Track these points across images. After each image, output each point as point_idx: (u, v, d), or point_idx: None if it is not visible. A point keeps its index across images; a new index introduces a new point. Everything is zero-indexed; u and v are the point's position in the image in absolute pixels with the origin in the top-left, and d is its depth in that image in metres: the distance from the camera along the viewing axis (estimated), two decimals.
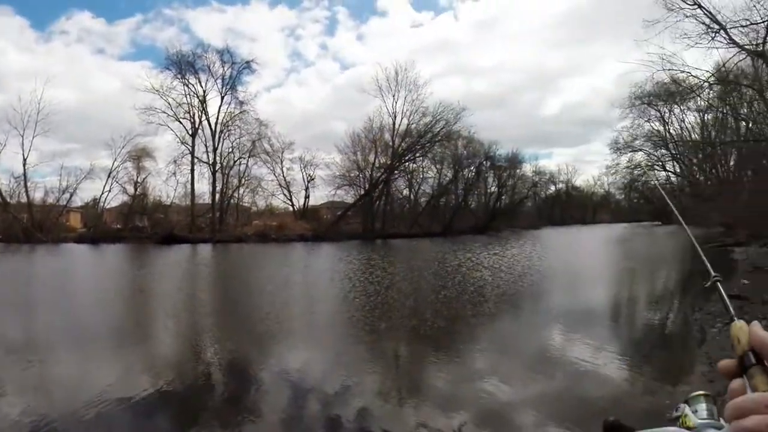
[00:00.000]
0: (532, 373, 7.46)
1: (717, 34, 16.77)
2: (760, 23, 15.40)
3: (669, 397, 6.01)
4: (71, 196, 53.41)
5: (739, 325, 0.70)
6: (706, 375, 6.66)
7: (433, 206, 63.02)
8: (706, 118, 38.71)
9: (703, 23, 16.99)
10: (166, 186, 56.39)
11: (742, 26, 15.97)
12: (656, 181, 48.84)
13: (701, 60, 43.84)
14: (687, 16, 17.18)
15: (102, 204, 54.71)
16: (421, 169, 62.35)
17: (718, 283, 0.91)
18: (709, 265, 0.99)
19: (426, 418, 5.69)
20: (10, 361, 8.11)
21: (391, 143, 56.36)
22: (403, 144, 56.03)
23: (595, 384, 6.76)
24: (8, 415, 5.79)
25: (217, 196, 54.23)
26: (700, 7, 16.91)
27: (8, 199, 50.05)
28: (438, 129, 55.74)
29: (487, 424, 5.55)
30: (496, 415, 5.79)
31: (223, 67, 54.55)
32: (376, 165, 56.58)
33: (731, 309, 0.76)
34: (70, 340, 9.85)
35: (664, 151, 43.03)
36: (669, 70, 19.21)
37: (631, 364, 7.65)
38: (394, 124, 56.11)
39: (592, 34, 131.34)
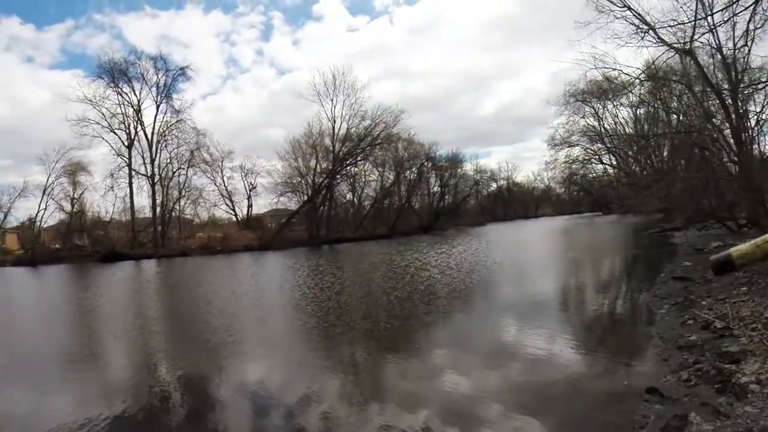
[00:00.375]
0: (490, 365, 7.54)
1: (646, 34, 17.51)
2: (687, 23, 16.09)
3: (627, 378, 6.15)
4: (5, 215, 51.51)
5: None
6: (660, 354, 6.86)
7: (377, 209, 63.34)
8: (638, 112, 40.53)
9: (633, 24, 17.74)
10: (104, 201, 54.61)
11: (670, 26, 16.65)
12: (594, 174, 50.71)
13: (632, 58, 45.95)
14: (617, 18, 17.91)
15: (39, 223, 52.22)
16: (363, 173, 63.12)
17: None
18: None
19: (390, 419, 5.62)
20: None
21: (331, 148, 56.24)
22: (343, 148, 55.98)
23: (553, 370, 6.84)
24: None
25: (158, 209, 52.69)
26: (629, 9, 17.65)
27: None
28: (378, 132, 55.91)
29: (451, 419, 5.50)
30: (460, 410, 5.77)
31: (157, 74, 53.21)
32: (318, 170, 56.33)
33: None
34: (18, 369, 9.31)
35: (600, 145, 44.67)
36: (601, 68, 19.84)
37: (586, 349, 7.83)
38: (333, 128, 56.14)
39: (522, 37, 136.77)
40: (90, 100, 49.62)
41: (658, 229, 30.91)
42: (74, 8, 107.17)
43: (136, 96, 52.37)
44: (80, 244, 50.59)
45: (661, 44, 17.64)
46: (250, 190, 58.91)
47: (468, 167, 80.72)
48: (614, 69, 19.58)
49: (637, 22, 17.63)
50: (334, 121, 55.96)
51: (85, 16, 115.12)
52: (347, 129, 56.03)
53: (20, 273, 37.64)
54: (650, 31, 17.36)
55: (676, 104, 26.28)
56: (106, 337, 12.22)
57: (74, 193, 51.49)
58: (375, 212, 62.90)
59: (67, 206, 51.45)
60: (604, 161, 47.31)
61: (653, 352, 7.11)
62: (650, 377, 5.94)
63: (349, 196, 63.73)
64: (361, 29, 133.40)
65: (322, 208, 56.92)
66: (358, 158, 58.11)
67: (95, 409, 6.52)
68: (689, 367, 5.95)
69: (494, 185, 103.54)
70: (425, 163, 66.69)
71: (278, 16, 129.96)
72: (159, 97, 53.16)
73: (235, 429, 5.86)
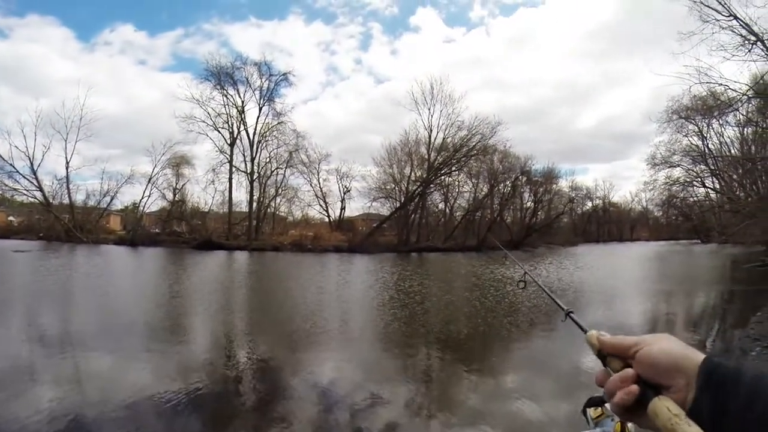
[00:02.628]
0: (562, 393, 7.44)
1: (754, 46, 16.39)
2: None
3: None
4: (112, 199, 55.47)
5: (591, 333, 0.89)
6: None
7: (469, 220, 62.49)
8: (745, 132, 37.84)
9: (740, 35, 16.66)
10: (204, 193, 58.24)
11: None
12: (695, 198, 47.80)
13: (739, 72, 42.98)
14: (723, 28, 16.80)
15: (141, 208, 56.70)
16: (456, 183, 62.19)
17: (571, 314, 1.09)
18: (559, 302, 1.17)
19: None
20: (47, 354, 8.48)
21: (426, 157, 56.01)
22: (438, 158, 55.58)
23: None
24: (46, 404, 6.10)
25: (254, 204, 55.07)
26: (735, 18, 16.56)
27: (51, 200, 52.04)
28: (474, 143, 55.06)
29: None
30: None
31: (260, 78, 55.47)
32: (412, 178, 56.33)
33: (582, 326, 0.95)
34: (107, 338, 10.15)
35: (702, 166, 41.66)
36: (706, 83, 18.79)
37: None
38: (429, 137, 55.98)
39: (623, 48, 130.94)
40: (197, 100, 52.98)
41: (760, 263, 28.87)
42: (185, 18, 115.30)
43: (240, 98, 55.15)
44: (178, 231, 53.89)
45: None
46: (344, 193, 60.27)
47: (563, 183, 77.43)
48: (720, 84, 18.51)
49: (743, 32, 16.54)
50: (431, 130, 55.92)
51: (194, 26, 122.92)
52: (443, 138, 55.80)
53: (121, 251, 40.69)
54: (758, 42, 16.34)
55: None
56: (193, 318, 13.11)
57: (177, 183, 55.27)
58: (466, 223, 62.21)
59: (169, 195, 55.30)
60: (707, 184, 43.76)
61: None
62: None
63: (441, 205, 63.35)
64: (457, 40, 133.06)
65: (413, 215, 57.17)
66: (453, 168, 57.54)
67: (172, 383, 7.10)
68: None
69: (589, 204, 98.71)
70: (520, 177, 64.67)
71: (376, 27, 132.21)
72: (262, 100, 55.61)
73: (296, 420, 6.08)
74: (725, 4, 16.45)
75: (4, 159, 48.80)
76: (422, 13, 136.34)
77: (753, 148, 36.37)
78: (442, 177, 58.23)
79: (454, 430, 5.90)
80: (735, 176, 38.30)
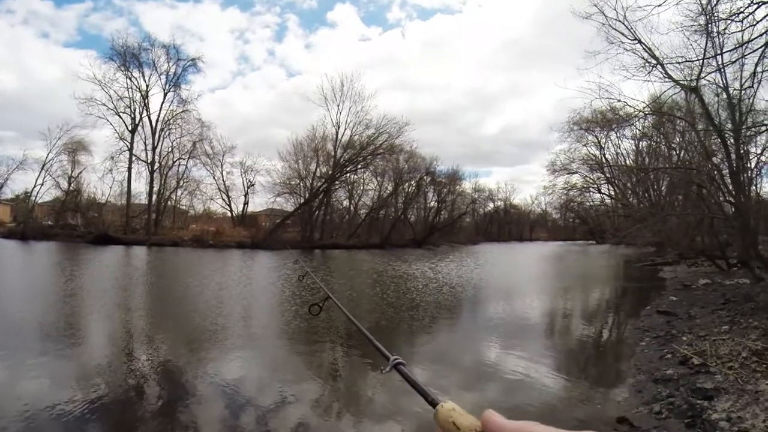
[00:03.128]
0: (466, 384, 7.54)
1: (654, 68, 17.52)
2: (695, 60, 16.18)
3: (600, 406, 6.18)
4: (1, 186, 50.89)
5: (449, 407, 0.66)
6: (635, 386, 6.89)
7: (373, 218, 63.00)
8: (640, 145, 40.58)
9: (642, 57, 17.74)
10: (101, 183, 54.59)
11: (678, 62, 16.72)
12: (591, 203, 50.64)
13: (637, 91, 46.00)
14: (627, 50, 17.88)
15: (33, 198, 51.85)
16: (361, 181, 62.54)
17: (401, 366, 0.83)
18: (383, 349, 0.92)
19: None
20: None
21: (333, 153, 55.82)
22: (345, 155, 55.48)
23: (529, 394, 6.87)
24: None
25: (154, 196, 52.51)
26: (639, 42, 17.62)
27: None
28: (380, 142, 55.38)
29: None
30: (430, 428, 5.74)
31: (168, 62, 52.93)
32: (317, 174, 56.02)
33: (429, 394, 0.72)
34: None
35: (599, 174, 44.39)
36: (606, 98, 19.81)
37: (563, 375, 7.83)
38: (337, 134, 55.73)
39: (531, 61, 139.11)
40: (99, 81, 49.54)
41: (649, 263, 31.11)
42: None
43: (144, 81, 52.26)
44: (73, 224, 50.31)
45: (667, 80, 17.71)
46: (248, 188, 58.72)
47: (467, 185, 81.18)
48: (619, 100, 19.60)
49: (646, 55, 17.67)
50: (338, 127, 55.67)
51: None
52: (350, 136, 55.72)
53: (10, 245, 37.36)
54: (658, 65, 17.42)
55: (678, 140, 26.36)
56: (89, 318, 12.15)
57: (72, 171, 51.27)
58: (370, 221, 62.66)
59: (64, 184, 51.23)
60: (603, 191, 47.02)
61: (629, 382, 7.15)
62: (623, 407, 5.98)
63: (345, 203, 63.41)
64: (373, 39, 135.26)
65: (317, 212, 56.65)
66: (359, 166, 57.54)
67: (68, 390, 6.52)
68: (662, 399, 5.99)
69: (491, 205, 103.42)
70: (424, 177, 66.36)
71: (293, 18, 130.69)
72: (167, 85, 53.07)
73: (204, 424, 5.80)
74: (632, 28, 17.47)
75: None
76: (340, 9, 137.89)
77: (647, 159, 39.06)
78: (348, 174, 58.27)
79: (364, 426, 5.83)
80: (629, 184, 40.90)
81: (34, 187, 50.76)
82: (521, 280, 25.15)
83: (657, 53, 17.50)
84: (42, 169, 49.87)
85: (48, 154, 49.80)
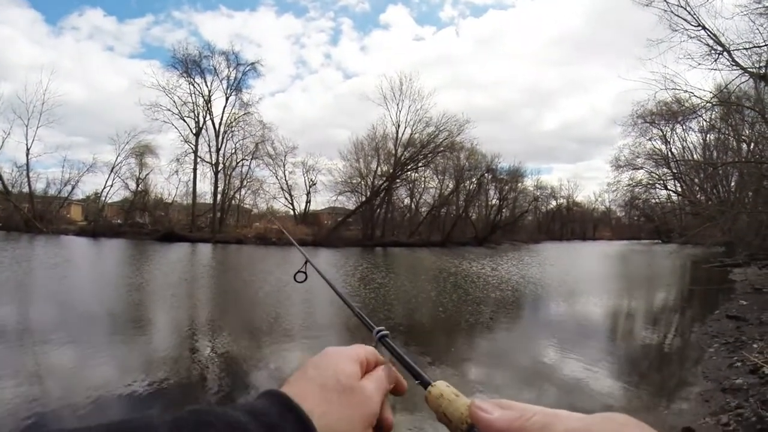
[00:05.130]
0: (525, 387, 7.45)
1: (720, 56, 16.80)
2: (763, 46, 15.44)
3: (664, 414, 6.06)
4: (73, 188, 53.48)
5: (437, 393, 0.62)
6: (702, 395, 6.70)
7: (434, 216, 62.85)
8: (708, 138, 38.96)
9: (707, 45, 17.05)
10: (167, 184, 56.93)
11: (745, 48, 16.02)
12: (657, 200, 48.86)
13: (703, 80, 44.08)
14: (691, 37, 17.23)
15: (103, 198, 54.92)
16: (422, 179, 62.39)
17: (386, 339, 0.78)
18: (368, 320, 0.90)
19: None
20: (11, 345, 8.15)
21: (393, 152, 56.09)
22: (405, 153, 55.69)
23: (590, 400, 6.74)
24: (7, 397, 5.87)
25: (219, 196, 54.30)
26: (704, 28, 16.96)
27: (10, 188, 49.95)
28: (441, 139, 55.43)
29: None
30: None
31: (228, 68, 54.61)
32: (379, 173, 56.43)
33: (419, 372, 0.68)
34: (67, 329, 9.79)
35: (665, 170, 42.79)
36: (671, 89, 19.06)
37: (626, 381, 7.64)
38: (397, 133, 56.02)
39: (588, 54, 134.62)
40: (163, 88, 51.71)
41: (718, 264, 29.65)
42: (154, 5, 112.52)
43: (207, 87, 54.09)
44: (141, 222, 52.67)
45: (735, 67, 16.94)
46: (309, 187, 59.84)
47: (528, 182, 79.51)
48: (685, 91, 18.82)
49: (711, 42, 16.96)
50: (398, 126, 55.96)
51: (164, 13, 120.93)
52: (411, 134, 55.89)
53: (82, 242, 39.41)
54: (724, 52, 16.70)
55: (747, 132, 25.27)
56: (156, 310, 12.77)
57: (140, 173, 53.74)
58: (431, 219, 62.56)
59: (132, 185, 53.73)
60: (669, 187, 45.38)
61: (695, 391, 6.91)
62: (688, 417, 5.82)
63: (407, 201, 63.50)
64: (427, 39, 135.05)
65: (378, 210, 57.04)
66: (419, 164, 57.64)
67: (133, 376, 6.89)
68: (730, 410, 5.80)
69: (554, 203, 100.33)
70: (486, 175, 65.64)
71: (347, 22, 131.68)
72: (229, 89, 54.64)
73: None
74: (695, 14, 16.87)
75: None
76: (393, 10, 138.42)
77: (714, 153, 37.54)
78: (409, 172, 58.36)
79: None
80: (696, 180, 39.35)
81: (104, 188, 53.84)
82: (583, 280, 24.56)
83: (722, 39, 16.78)
84: (111, 171, 52.72)
85: (117, 158, 52.55)
